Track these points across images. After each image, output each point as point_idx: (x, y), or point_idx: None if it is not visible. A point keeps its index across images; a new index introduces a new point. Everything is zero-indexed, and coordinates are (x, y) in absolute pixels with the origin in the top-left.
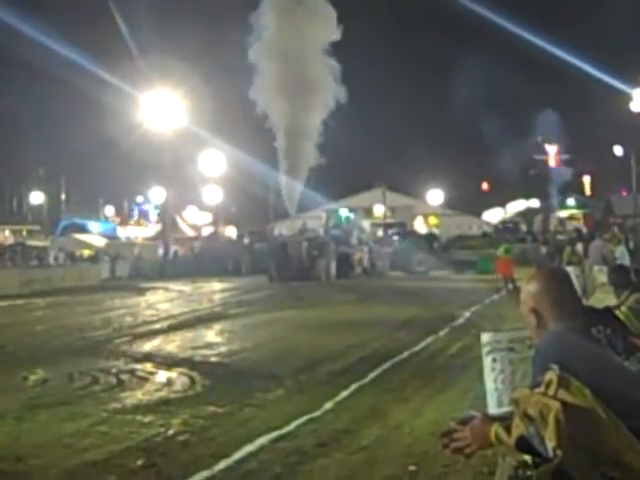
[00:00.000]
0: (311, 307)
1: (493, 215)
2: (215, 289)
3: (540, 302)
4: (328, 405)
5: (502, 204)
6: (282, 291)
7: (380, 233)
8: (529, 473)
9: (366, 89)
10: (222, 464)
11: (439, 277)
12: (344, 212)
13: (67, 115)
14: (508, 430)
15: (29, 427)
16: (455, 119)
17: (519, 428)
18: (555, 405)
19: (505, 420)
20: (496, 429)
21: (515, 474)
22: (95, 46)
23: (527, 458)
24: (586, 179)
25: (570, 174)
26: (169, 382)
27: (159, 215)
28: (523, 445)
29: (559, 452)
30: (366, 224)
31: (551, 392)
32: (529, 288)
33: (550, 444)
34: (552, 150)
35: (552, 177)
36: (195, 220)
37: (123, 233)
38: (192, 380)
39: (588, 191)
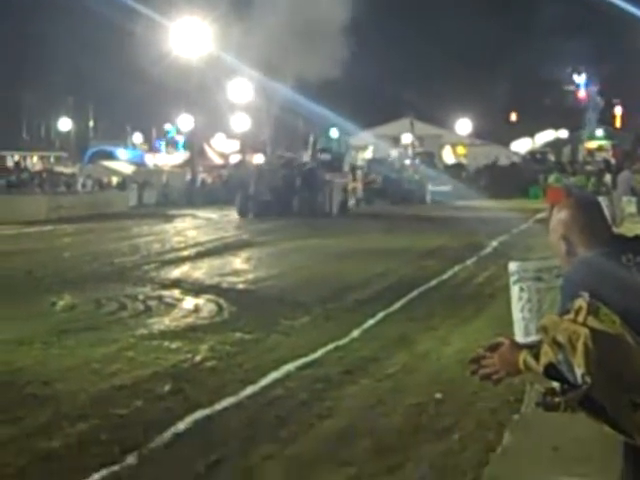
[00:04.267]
0: (338, 236)
1: (522, 145)
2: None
3: (570, 229)
4: (355, 333)
5: (531, 134)
6: (308, 220)
7: (407, 162)
8: (557, 400)
9: (393, 17)
10: (248, 390)
11: (467, 207)
12: (335, 133)
13: (96, 43)
14: (536, 357)
15: (57, 352)
16: (485, 47)
17: (548, 355)
18: (584, 332)
19: (534, 346)
20: (525, 356)
21: (543, 401)
22: None
23: (555, 385)
24: (616, 110)
25: (600, 105)
26: (196, 309)
27: (186, 143)
28: (551, 372)
29: (588, 379)
30: (394, 152)
31: (580, 319)
32: (559, 215)
33: (579, 371)
34: (581, 80)
35: (581, 108)
36: (223, 148)
37: (151, 160)
38: (219, 307)
39: (618, 122)
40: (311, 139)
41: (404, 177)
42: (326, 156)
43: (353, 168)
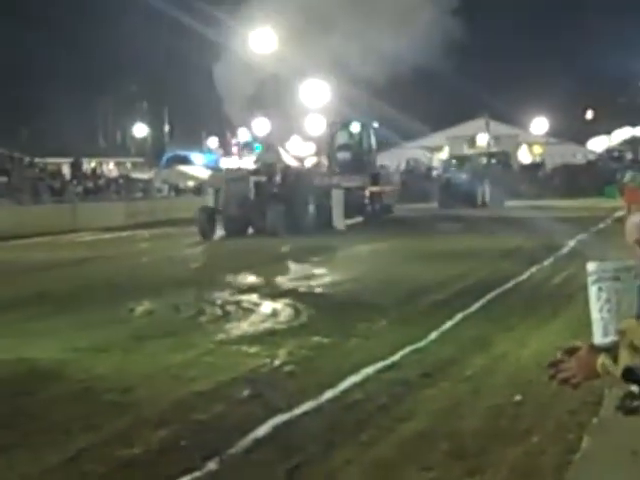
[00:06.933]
0: (411, 238)
1: (598, 143)
2: None
3: None
4: (433, 335)
5: (607, 132)
6: (381, 222)
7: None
8: (636, 403)
9: (467, 16)
10: (328, 394)
11: (543, 206)
12: (356, 127)
13: (170, 49)
14: (615, 361)
15: (136, 358)
16: (560, 47)
17: (625, 359)
18: None
19: (611, 350)
20: (603, 360)
21: (622, 404)
22: None
23: (634, 388)
24: None
25: None
26: (274, 313)
27: (261, 146)
28: (630, 376)
29: None
30: (469, 152)
31: None
32: (634, 219)
33: None
34: None
35: None
36: (298, 151)
37: (226, 164)
38: (297, 311)
39: None
40: (328, 134)
41: (472, 178)
42: (345, 155)
43: (385, 169)
